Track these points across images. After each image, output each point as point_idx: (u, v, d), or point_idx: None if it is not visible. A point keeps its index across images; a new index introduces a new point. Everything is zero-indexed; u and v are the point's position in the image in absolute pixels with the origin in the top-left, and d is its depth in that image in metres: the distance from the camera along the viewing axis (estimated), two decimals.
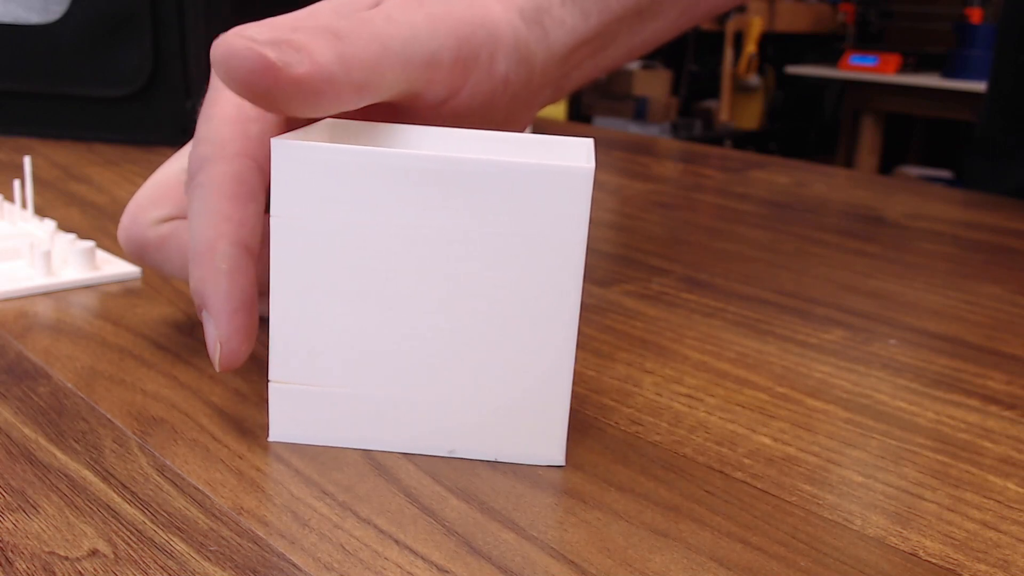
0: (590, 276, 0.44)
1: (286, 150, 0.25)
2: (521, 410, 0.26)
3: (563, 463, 0.27)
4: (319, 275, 0.26)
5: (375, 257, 0.25)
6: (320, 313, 0.26)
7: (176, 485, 0.24)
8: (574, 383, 0.31)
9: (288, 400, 0.26)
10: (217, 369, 0.27)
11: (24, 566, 0.21)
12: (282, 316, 0.26)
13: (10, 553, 0.21)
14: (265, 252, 0.27)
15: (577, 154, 0.29)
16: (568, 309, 0.26)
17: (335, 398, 0.26)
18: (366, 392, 0.26)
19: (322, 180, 0.25)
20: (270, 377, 0.26)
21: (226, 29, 0.25)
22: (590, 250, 0.41)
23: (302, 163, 0.25)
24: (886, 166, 3.18)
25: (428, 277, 0.25)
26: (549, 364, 0.26)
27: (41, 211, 0.50)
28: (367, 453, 0.26)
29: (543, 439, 0.26)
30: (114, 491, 0.24)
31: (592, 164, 0.25)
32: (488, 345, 0.26)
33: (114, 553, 0.21)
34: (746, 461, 0.27)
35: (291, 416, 0.27)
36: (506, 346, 0.26)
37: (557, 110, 2.83)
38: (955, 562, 0.23)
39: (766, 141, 3.72)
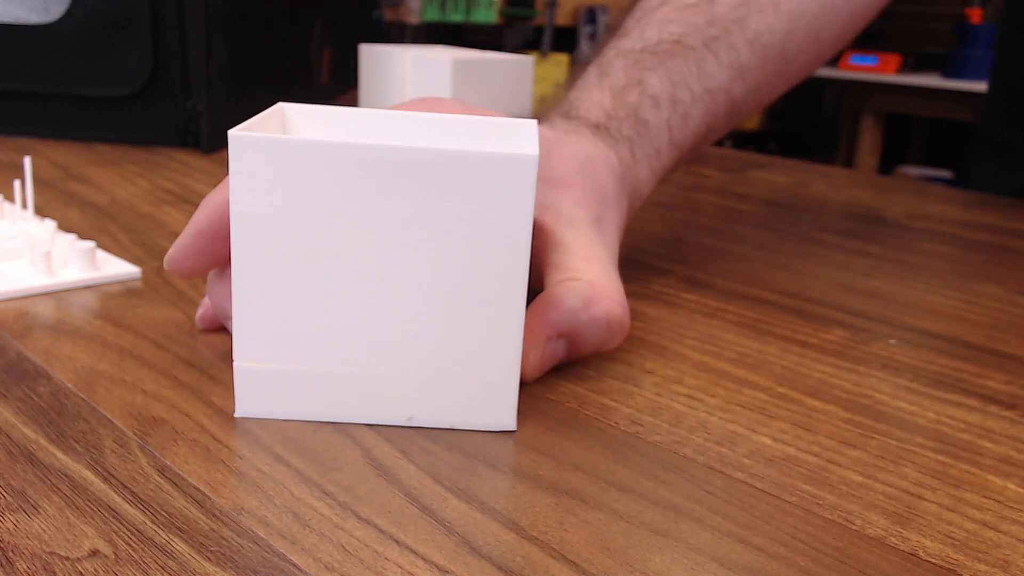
0: None
1: (243, 142, 0.26)
2: (475, 380, 0.28)
3: (515, 428, 0.28)
4: (278, 261, 0.27)
5: (331, 242, 0.26)
6: (280, 297, 0.27)
7: (176, 485, 0.24)
8: (574, 383, 0.32)
9: (252, 379, 0.28)
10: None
11: (25, 566, 0.21)
12: (244, 301, 0.27)
13: (11, 553, 0.21)
14: None
15: (522, 137, 0.30)
16: (516, 287, 0.27)
17: (296, 375, 0.28)
18: (326, 369, 0.28)
19: (278, 170, 0.26)
20: (234, 358, 0.28)
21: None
22: None
23: (258, 155, 0.26)
24: (886, 166, 3.18)
25: (383, 259, 0.26)
26: (500, 338, 0.27)
27: (41, 211, 0.50)
28: (367, 453, 0.26)
29: (496, 407, 0.28)
30: (115, 491, 0.24)
31: (536, 151, 0.26)
32: (442, 321, 0.27)
33: (115, 553, 0.21)
34: (746, 461, 0.27)
35: (256, 393, 0.28)
36: (459, 322, 0.27)
37: None
38: (955, 562, 0.23)
39: (766, 141, 3.71)
